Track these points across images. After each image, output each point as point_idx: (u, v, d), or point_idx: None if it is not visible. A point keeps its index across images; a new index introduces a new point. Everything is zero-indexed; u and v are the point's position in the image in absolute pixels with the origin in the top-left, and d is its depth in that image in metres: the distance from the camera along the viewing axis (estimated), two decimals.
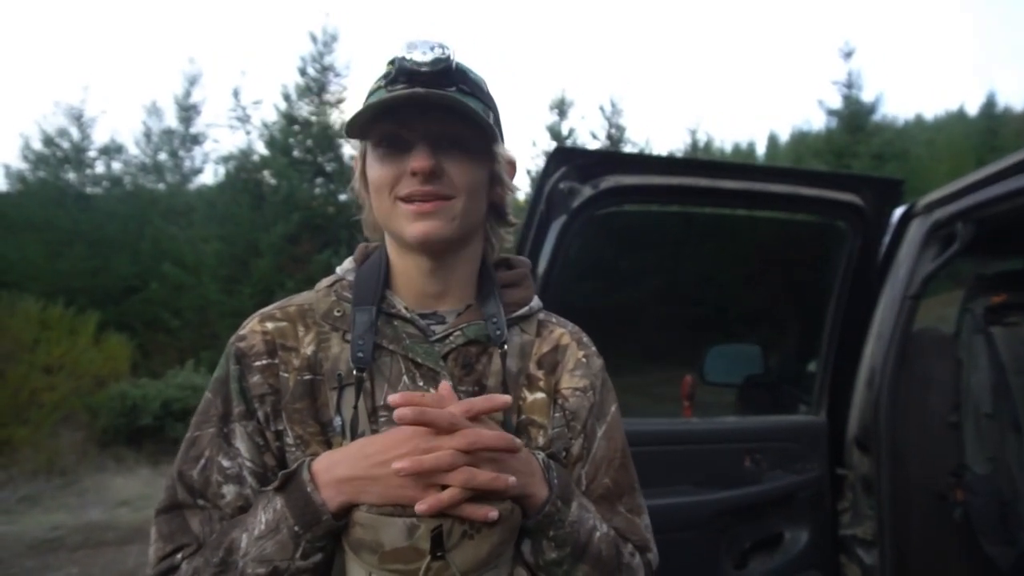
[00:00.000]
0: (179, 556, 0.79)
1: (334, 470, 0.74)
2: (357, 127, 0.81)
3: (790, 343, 2.91)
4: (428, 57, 0.79)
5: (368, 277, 0.88)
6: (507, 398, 0.77)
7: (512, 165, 0.92)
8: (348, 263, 0.93)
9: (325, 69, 11.65)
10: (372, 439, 0.76)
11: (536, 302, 0.95)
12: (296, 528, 0.72)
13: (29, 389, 7.34)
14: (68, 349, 8.05)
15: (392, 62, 0.82)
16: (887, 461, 2.02)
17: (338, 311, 0.87)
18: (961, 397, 2.14)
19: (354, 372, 0.81)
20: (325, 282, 0.92)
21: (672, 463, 2.07)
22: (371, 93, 0.83)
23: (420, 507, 0.69)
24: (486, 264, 0.93)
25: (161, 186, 13.97)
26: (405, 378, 0.83)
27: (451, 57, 0.80)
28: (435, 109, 0.79)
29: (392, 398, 0.72)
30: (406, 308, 0.87)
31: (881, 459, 2.02)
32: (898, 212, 2.16)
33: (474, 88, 0.84)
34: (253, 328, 0.86)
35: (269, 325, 0.86)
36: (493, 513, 0.71)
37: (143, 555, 0.81)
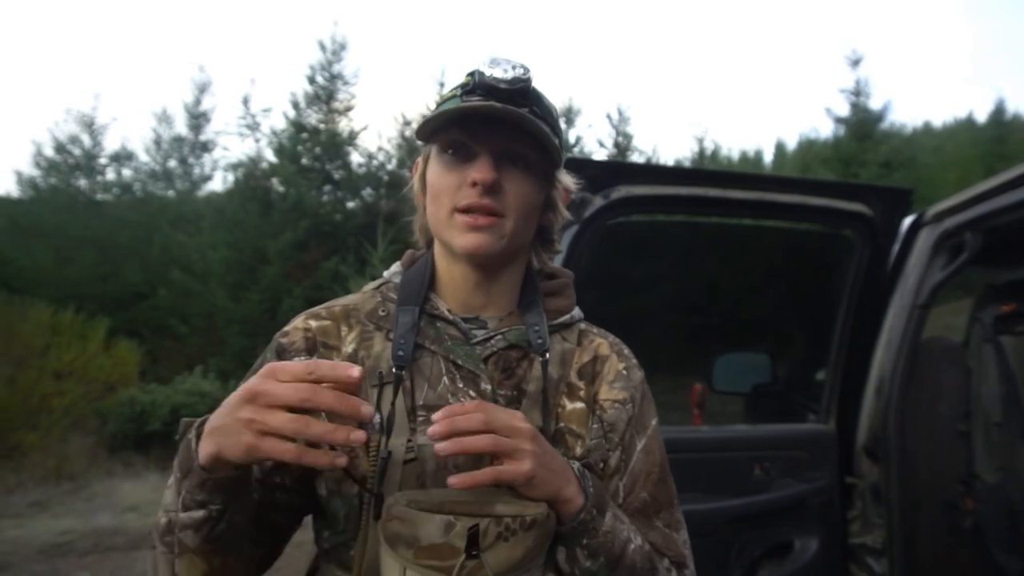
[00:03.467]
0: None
1: (212, 421, 0.70)
2: (427, 131, 0.83)
3: (799, 352, 2.92)
4: (508, 75, 0.81)
5: (413, 280, 0.90)
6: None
7: (568, 192, 0.94)
8: (396, 267, 0.95)
9: (334, 77, 11.70)
10: (237, 391, 0.71)
11: (577, 312, 0.96)
12: (177, 474, 0.72)
13: (39, 394, 7.37)
14: (78, 355, 8.08)
15: (471, 74, 0.83)
16: (896, 470, 2.02)
17: (383, 311, 0.89)
18: (971, 406, 2.15)
19: (394, 370, 0.82)
20: (372, 284, 0.94)
21: (682, 471, 2.07)
22: (445, 100, 0.85)
23: (452, 480, 0.70)
24: (530, 273, 0.94)
25: (170, 193, 14.03)
26: (445, 379, 0.84)
27: (530, 79, 0.83)
28: (506, 125, 0.81)
29: (435, 416, 0.72)
30: (449, 311, 0.88)
31: (890, 468, 2.03)
32: (907, 221, 2.17)
33: (545, 113, 0.85)
34: (297, 325, 0.89)
35: (313, 323, 0.89)
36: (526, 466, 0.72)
37: None
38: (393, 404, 0.82)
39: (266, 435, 0.65)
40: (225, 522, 0.72)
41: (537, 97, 0.85)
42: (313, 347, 0.86)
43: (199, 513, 0.71)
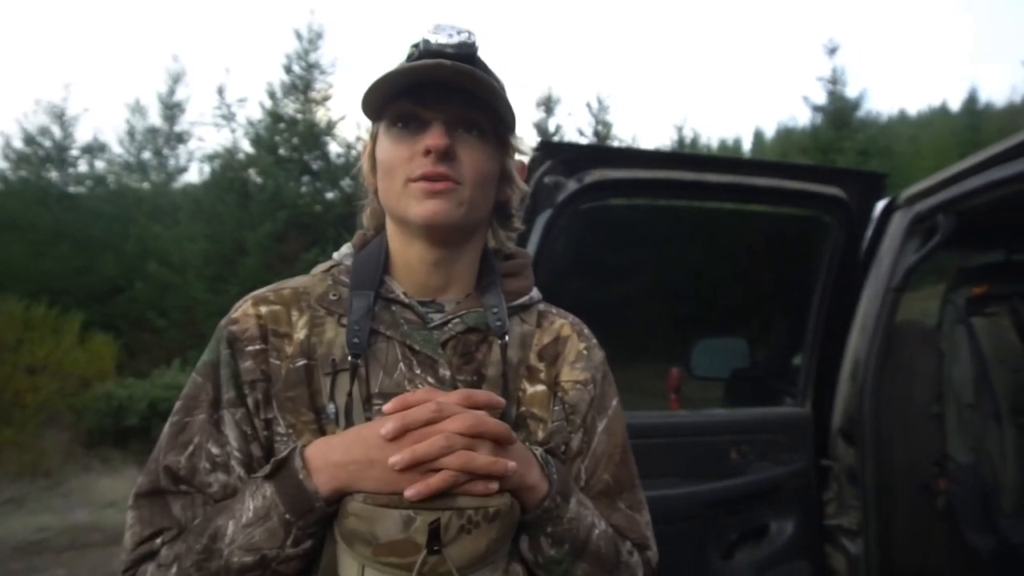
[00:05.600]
0: (158, 541, 0.76)
1: (328, 455, 0.71)
2: (374, 104, 0.80)
3: (775, 336, 2.94)
4: (454, 39, 0.78)
5: (367, 262, 0.85)
6: (502, 400, 0.76)
7: (523, 167, 0.91)
8: (346, 248, 0.91)
9: (311, 67, 11.55)
10: (368, 424, 0.74)
11: (536, 292, 0.93)
12: (287, 516, 0.70)
13: (12, 390, 7.26)
14: (52, 349, 7.95)
15: (416, 45, 0.80)
16: (871, 452, 2.04)
17: (334, 295, 0.84)
18: (944, 388, 2.17)
19: (349, 358, 0.79)
20: (322, 267, 0.89)
21: (658, 455, 2.08)
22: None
23: (409, 492, 0.67)
24: (487, 254, 0.90)
25: (145, 185, 13.82)
26: (402, 365, 0.81)
27: (475, 43, 0.80)
28: (456, 93, 0.78)
29: (385, 408, 0.72)
30: (405, 294, 0.85)
31: (865, 450, 2.04)
32: (880, 205, 2.19)
33: (494, 81, 0.82)
34: (246, 311, 0.83)
35: (263, 309, 0.83)
36: (493, 485, 0.70)
37: None
38: (350, 394, 0.78)
39: (428, 473, 0.69)
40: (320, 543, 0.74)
41: (484, 66, 0.82)
42: (265, 335, 0.81)
43: (308, 544, 0.72)
